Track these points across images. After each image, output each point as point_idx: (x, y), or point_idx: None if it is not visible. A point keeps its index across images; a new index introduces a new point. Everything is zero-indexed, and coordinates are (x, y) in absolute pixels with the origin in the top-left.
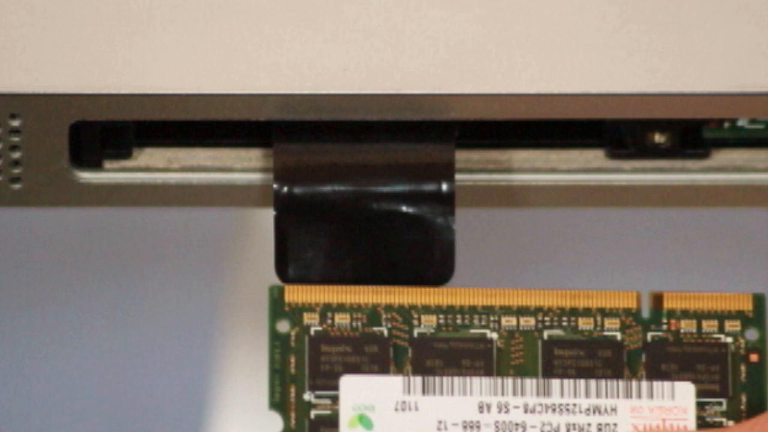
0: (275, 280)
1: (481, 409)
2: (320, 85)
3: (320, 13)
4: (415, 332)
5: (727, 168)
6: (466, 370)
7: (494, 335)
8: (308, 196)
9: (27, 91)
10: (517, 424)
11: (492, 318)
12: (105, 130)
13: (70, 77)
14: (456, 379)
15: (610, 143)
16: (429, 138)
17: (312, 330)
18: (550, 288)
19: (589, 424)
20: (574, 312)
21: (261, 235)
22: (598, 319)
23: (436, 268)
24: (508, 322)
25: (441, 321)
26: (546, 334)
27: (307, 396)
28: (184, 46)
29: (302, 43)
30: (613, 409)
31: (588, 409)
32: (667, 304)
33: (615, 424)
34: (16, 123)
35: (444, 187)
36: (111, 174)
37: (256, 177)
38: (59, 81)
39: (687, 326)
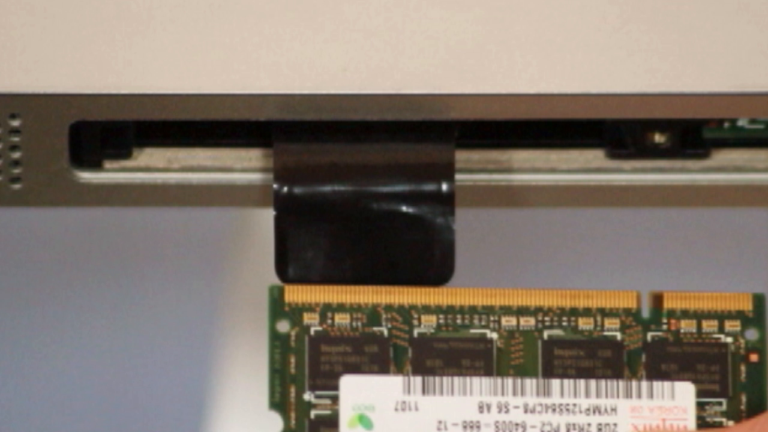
0: (275, 280)
1: (481, 409)
2: (320, 85)
3: (320, 13)
4: (415, 332)
5: (727, 168)
6: (466, 370)
7: (494, 335)
8: (308, 196)
9: (27, 91)
10: (517, 424)
11: (492, 318)
12: (105, 130)
13: (70, 77)
14: (456, 379)
15: (610, 143)
16: (429, 138)
17: (312, 330)
18: (550, 288)
19: (589, 424)
20: (574, 312)
21: (261, 235)
22: (598, 319)
23: (436, 268)
24: (508, 322)
25: (441, 321)
26: (546, 334)
27: (307, 396)
28: (184, 46)
29: (302, 43)
30: (613, 409)
31: (588, 409)
32: (667, 304)
33: (615, 424)
34: (16, 123)
35: (444, 187)
36: (111, 174)
37: (256, 177)
38: (59, 81)
39: (687, 326)
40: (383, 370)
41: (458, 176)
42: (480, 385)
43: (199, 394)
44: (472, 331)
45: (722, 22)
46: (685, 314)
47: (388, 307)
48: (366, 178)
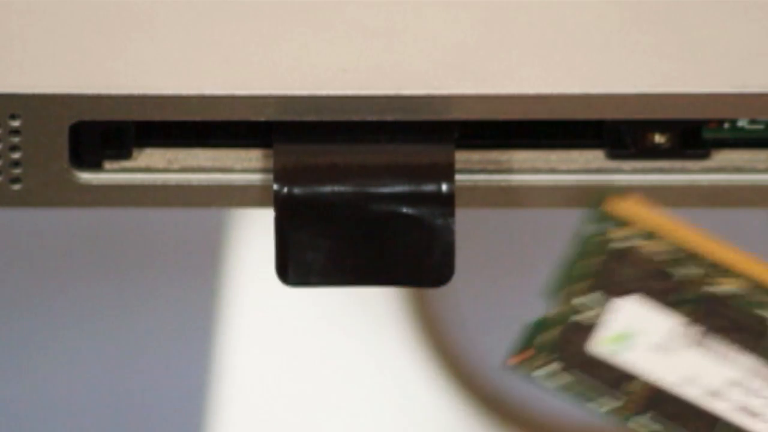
0: (275, 281)
1: (731, 383)
2: (320, 86)
3: (320, 14)
4: (718, 290)
5: (727, 168)
6: (741, 342)
7: None
8: (308, 197)
9: (27, 91)
10: (755, 413)
11: None
12: (105, 131)
13: (70, 77)
14: (728, 347)
15: (610, 143)
16: (429, 138)
17: (620, 244)
18: None
19: None
20: None
21: (261, 235)
22: None
23: (435, 269)
24: None
25: (742, 292)
26: None
27: (582, 299)
28: (184, 46)
29: (302, 44)
30: None
31: None
32: None
33: None
34: (16, 123)
35: (444, 187)
36: (111, 174)
37: (256, 177)
38: (59, 81)
39: None
40: (668, 306)
41: (458, 176)
42: (744, 362)
43: (199, 394)
44: (759, 311)
45: (722, 22)
46: None
47: (703, 257)
48: (366, 178)
